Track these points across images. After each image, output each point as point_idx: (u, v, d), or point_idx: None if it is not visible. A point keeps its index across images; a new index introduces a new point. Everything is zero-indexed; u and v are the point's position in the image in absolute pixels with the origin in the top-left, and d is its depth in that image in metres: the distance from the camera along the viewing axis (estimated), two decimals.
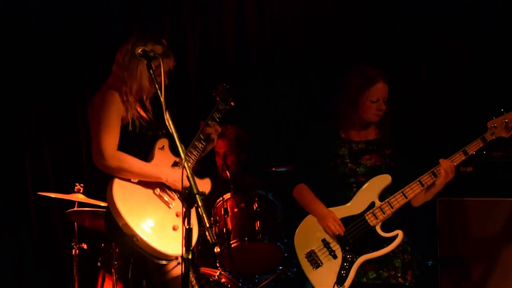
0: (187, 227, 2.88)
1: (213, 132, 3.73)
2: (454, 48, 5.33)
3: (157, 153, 3.59)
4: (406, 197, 3.81)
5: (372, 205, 3.85)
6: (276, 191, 4.84)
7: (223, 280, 4.54)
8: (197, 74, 5.68)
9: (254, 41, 5.73)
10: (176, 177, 3.53)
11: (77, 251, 4.80)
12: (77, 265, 4.81)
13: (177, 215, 3.54)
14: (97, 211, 4.66)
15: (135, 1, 5.70)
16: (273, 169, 5.09)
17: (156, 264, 3.47)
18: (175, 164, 3.63)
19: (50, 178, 5.55)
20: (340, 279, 3.82)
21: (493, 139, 3.77)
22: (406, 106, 5.16)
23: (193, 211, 3.01)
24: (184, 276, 2.87)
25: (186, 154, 3.29)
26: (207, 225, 2.87)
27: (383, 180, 3.87)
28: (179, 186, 3.51)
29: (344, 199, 3.91)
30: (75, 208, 4.74)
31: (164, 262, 3.49)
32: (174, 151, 3.64)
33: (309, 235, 3.96)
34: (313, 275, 3.91)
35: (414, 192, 3.81)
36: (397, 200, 3.81)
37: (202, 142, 3.70)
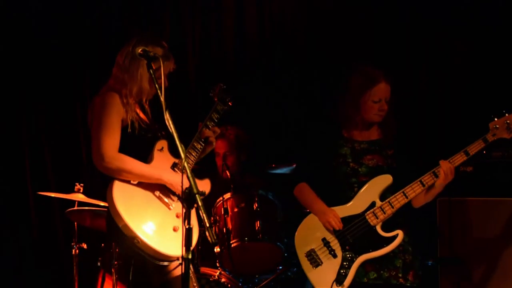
0: (187, 227, 2.88)
1: (211, 134, 3.73)
2: (454, 48, 5.33)
3: (157, 154, 3.59)
4: (407, 197, 3.81)
5: (372, 204, 3.85)
6: (276, 191, 4.85)
7: (223, 280, 4.54)
8: (197, 74, 5.68)
9: (254, 41, 5.73)
10: (177, 178, 3.53)
11: (77, 251, 4.80)
12: (77, 265, 4.81)
13: (177, 216, 3.54)
14: (97, 210, 4.66)
15: (135, 1, 5.70)
16: (273, 165, 5.08)
17: (156, 265, 3.46)
18: (174, 166, 3.64)
19: (50, 178, 5.55)
20: (340, 278, 3.82)
21: (495, 140, 3.77)
22: (406, 106, 5.15)
23: (193, 211, 3.01)
24: (184, 276, 2.87)
25: (185, 153, 3.29)
26: (207, 225, 2.87)
27: (384, 180, 3.87)
28: (179, 188, 3.51)
29: (345, 199, 3.91)
30: (75, 208, 4.73)
31: (165, 263, 3.49)
32: (173, 152, 3.64)
33: (309, 234, 3.96)
34: (313, 274, 3.91)
35: (415, 192, 3.81)
36: (398, 200, 3.81)
37: (201, 143, 3.70)
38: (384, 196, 3.85)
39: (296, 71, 5.63)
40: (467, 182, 4.55)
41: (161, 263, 3.47)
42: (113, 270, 4.57)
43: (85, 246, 4.82)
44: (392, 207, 3.81)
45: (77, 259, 4.80)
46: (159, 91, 3.14)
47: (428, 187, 3.81)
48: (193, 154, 3.67)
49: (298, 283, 4.59)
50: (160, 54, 3.52)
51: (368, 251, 3.82)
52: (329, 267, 3.86)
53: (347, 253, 3.86)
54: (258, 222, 4.63)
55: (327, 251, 3.89)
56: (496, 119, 3.78)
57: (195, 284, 3.67)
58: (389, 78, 3.92)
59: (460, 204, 4.78)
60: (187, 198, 2.90)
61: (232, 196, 4.73)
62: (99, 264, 4.83)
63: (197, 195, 2.88)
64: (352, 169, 3.92)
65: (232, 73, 5.63)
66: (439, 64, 5.38)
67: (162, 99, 3.11)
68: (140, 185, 3.53)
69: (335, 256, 3.88)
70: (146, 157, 3.57)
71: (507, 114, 3.77)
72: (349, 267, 3.83)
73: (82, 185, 4.78)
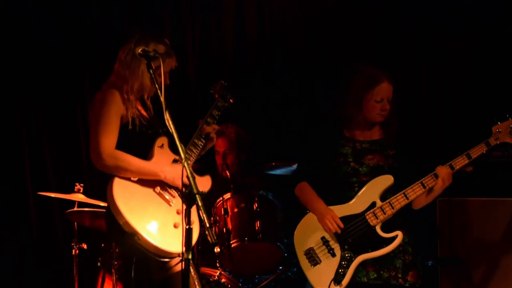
0: (187, 227, 2.88)
1: (211, 130, 3.73)
2: (454, 48, 5.33)
3: (157, 151, 3.58)
4: (407, 198, 3.81)
5: (373, 205, 3.85)
6: (276, 191, 4.84)
7: (223, 280, 4.53)
8: (197, 74, 5.68)
9: (254, 41, 5.73)
10: (176, 174, 3.53)
11: (77, 251, 4.80)
12: (77, 265, 4.81)
13: (177, 213, 3.54)
14: (97, 211, 4.66)
15: (135, 1, 5.70)
16: (273, 165, 5.08)
17: (158, 261, 3.47)
18: (174, 162, 3.63)
19: (50, 178, 5.55)
20: (338, 277, 3.82)
21: (497, 144, 3.77)
22: (406, 106, 5.15)
23: (193, 209, 3.01)
24: (184, 273, 2.87)
25: (185, 152, 3.29)
26: (207, 225, 2.87)
27: (385, 180, 3.87)
28: (178, 184, 3.51)
29: (346, 198, 3.91)
30: (75, 208, 4.73)
31: (166, 259, 3.49)
32: (174, 149, 3.64)
33: (309, 232, 3.96)
34: (311, 272, 3.91)
35: (415, 193, 3.80)
36: (398, 201, 3.81)
37: (202, 139, 3.71)
38: (384, 196, 3.85)
39: (296, 71, 5.63)
40: (467, 182, 4.55)
41: (162, 259, 3.47)
42: (113, 270, 4.57)
43: (85, 246, 4.83)
44: (393, 208, 3.81)
45: (77, 259, 4.81)
46: (159, 91, 3.14)
47: (429, 189, 3.81)
48: (194, 151, 3.67)
49: (298, 283, 4.58)
50: (162, 51, 3.53)
51: (367, 251, 3.82)
52: (328, 266, 3.86)
53: (346, 252, 3.85)
54: (258, 222, 4.63)
55: (326, 250, 3.89)
56: (499, 123, 3.78)
57: (196, 283, 3.66)
58: (391, 78, 3.92)
59: (460, 204, 4.78)
60: (187, 198, 2.90)
61: (232, 196, 4.72)
62: (99, 264, 4.83)
63: (197, 195, 2.88)
64: (353, 169, 3.92)
65: (232, 73, 5.63)
66: (439, 64, 5.38)
67: (162, 99, 3.11)
68: (140, 182, 3.52)
69: (334, 255, 3.88)
70: (146, 153, 3.56)
71: (510, 119, 3.77)
72: (348, 266, 3.82)
73: (82, 185, 4.78)
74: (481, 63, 5.23)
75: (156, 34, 3.75)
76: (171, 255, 3.48)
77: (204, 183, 3.66)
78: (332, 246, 3.89)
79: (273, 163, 5.08)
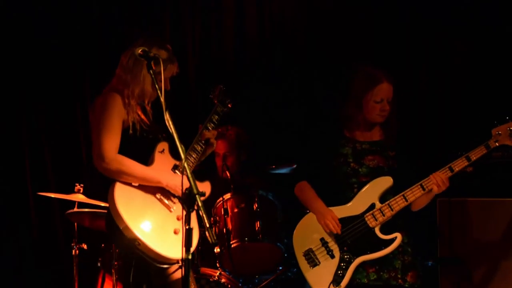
0: (187, 227, 2.88)
1: (211, 136, 3.74)
2: (454, 48, 5.33)
3: (157, 156, 3.59)
4: (406, 200, 3.81)
5: (372, 206, 3.85)
6: (276, 191, 4.84)
7: (223, 280, 4.53)
8: (197, 74, 5.68)
9: (254, 41, 5.72)
10: (177, 182, 3.53)
11: (77, 251, 4.80)
12: (77, 265, 4.81)
13: (178, 219, 3.54)
14: (97, 212, 4.66)
15: (135, 1, 5.69)
16: (273, 166, 5.08)
17: (157, 267, 3.46)
18: (175, 168, 3.63)
19: (50, 178, 5.55)
20: (337, 279, 3.82)
21: (497, 146, 3.77)
22: (406, 106, 5.15)
23: (193, 214, 3.01)
24: (185, 278, 2.87)
25: (186, 155, 3.29)
26: (207, 225, 2.87)
27: (385, 182, 3.86)
28: (179, 192, 3.50)
29: (345, 199, 3.91)
30: (75, 209, 4.73)
31: (165, 266, 3.49)
32: (174, 154, 3.64)
33: (308, 233, 3.96)
34: (310, 273, 3.92)
35: (415, 195, 3.80)
36: (398, 203, 3.81)
37: (201, 144, 3.71)
38: (384, 198, 3.85)
39: (296, 71, 5.63)
40: (467, 182, 4.55)
41: (162, 265, 3.47)
42: (113, 271, 4.57)
43: (85, 246, 4.82)
44: (392, 210, 3.81)
45: (77, 259, 4.80)
46: (159, 92, 3.14)
47: (428, 191, 3.81)
48: (193, 156, 3.67)
49: (298, 284, 4.58)
50: (165, 57, 3.52)
51: (366, 253, 3.82)
52: (327, 268, 3.86)
53: (345, 254, 3.85)
54: (258, 222, 4.63)
55: (325, 251, 3.89)
56: (499, 125, 3.78)
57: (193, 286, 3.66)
58: (391, 78, 3.92)
59: (460, 204, 4.78)
60: (187, 199, 2.90)
61: (232, 197, 4.72)
62: (99, 264, 4.83)
63: (197, 196, 2.88)
64: (353, 169, 3.91)
65: (232, 73, 5.63)
66: (439, 64, 5.38)
67: (162, 99, 3.11)
68: (141, 187, 3.53)
69: (332, 256, 3.88)
70: (147, 159, 3.56)
71: (510, 121, 3.77)
72: (347, 268, 3.82)
73: (82, 185, 4.78)
74: (481, 63, 5.22)
75: (159, 39, 3.73)
76: (170, 261, 3.48)
77: (204, 189, 3.65)
78: (331, 248, 3.89)
79: (273, 165, 5.08)
